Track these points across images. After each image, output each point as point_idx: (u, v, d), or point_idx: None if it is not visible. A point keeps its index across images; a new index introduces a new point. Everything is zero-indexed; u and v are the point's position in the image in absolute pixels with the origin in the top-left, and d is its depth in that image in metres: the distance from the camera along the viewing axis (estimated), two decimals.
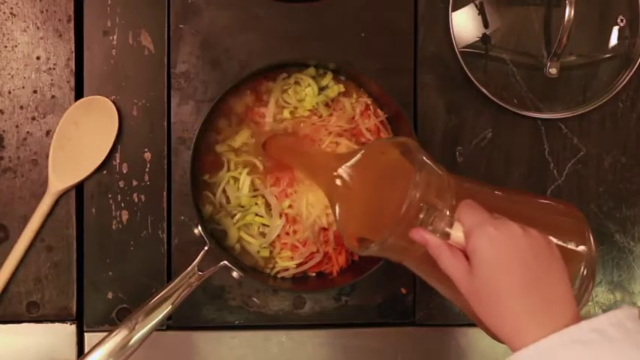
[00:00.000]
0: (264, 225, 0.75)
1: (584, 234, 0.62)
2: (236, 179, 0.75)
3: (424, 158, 0.61)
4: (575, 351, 0.52)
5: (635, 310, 0.55)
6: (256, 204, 0.75)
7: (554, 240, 0.60)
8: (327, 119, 0.76)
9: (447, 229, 0.58)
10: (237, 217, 0.75)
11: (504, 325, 0.55)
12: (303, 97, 0.76)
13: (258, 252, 0.75)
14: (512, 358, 0.53)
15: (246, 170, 0.75)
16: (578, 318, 0.55)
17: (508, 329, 0.55)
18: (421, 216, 0.58)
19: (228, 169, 0.75)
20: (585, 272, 0.61)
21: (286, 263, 0.76)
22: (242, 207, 0.75)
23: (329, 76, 0.77)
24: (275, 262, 0.76)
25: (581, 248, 0.62)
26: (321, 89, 0.77)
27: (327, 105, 0.77)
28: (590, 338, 0.52)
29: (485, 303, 0.56)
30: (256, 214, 0.75)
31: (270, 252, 0.75)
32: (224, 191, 0.75)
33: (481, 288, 0.56)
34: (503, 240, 0.56)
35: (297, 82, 0.76)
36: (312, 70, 0.77)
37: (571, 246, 0.62)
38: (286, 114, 0.76)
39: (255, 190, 0.75)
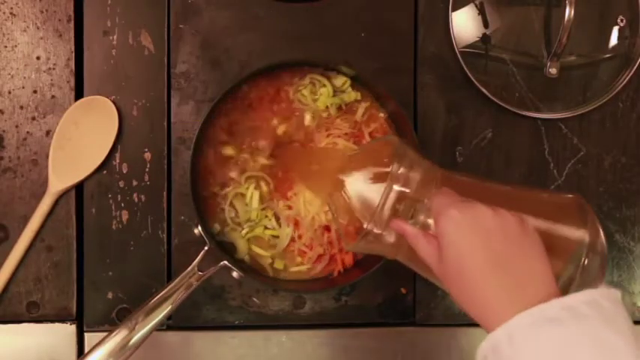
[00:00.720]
0: (274, 237, 0.75)
1: (584, 222, 0.61)
2: (243, 194, 0.75)
3: (406, 152, 0.62)
4: (544, 329, 0.51)
5: (616, 291, 0.54)
6: (266, 216, 0.75)
7: (548, 228, 0.59)
8: (332, 119, 0.76)
9: (429, 220, 0.58)
10: (246, 229, 0.74)
11: (476, 307, 0.55)
12: (318, 96, 0.76)
13: (271, 264, 0.75)
14: (484, 343, 0.53)
15: (252, 185, 0.74)
16: (555, 297, 0.53)
17: (480, 311, 0.55)
18: (401, 208, 0.59)
19: (236, 185, 0.75)
20: (586, 262, 0.59)
21: (298, 268, 0.75)
22: (251, 221, 0.75)
23: (347, 82, 0.77)
24: (287, 271, 0.76)
25: (580, 236, 0.60)
26: (336, 92, 0.77)
27: (339, 108, 0.77)
28: (561, 316, 0.51)
29: (456, 286, 0.56)
30: (265, 227, 0.75)
31: (285, 265, 0.75)
32: (232, 205, 0.75)
33: (450, 270, 0.56)
34: (467, 221, 0.56)
35: (312, 83, 0.76)
36: (332, 74, 0.77)
37: (567, 234, 0.61)
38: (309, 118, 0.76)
39: (264, 203, 0.75)
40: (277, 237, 0.75)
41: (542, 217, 0.60)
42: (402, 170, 0.60)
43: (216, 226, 0.75)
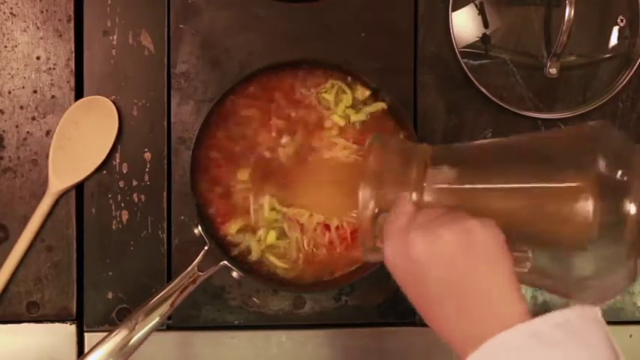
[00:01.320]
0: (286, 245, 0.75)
1: (593, 156, 0.50)
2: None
3: (384, 149, 0.59)
4: None
5: (593, 309, 0.48)
6: (276, 220, 0.74)
7: (549, 177, 0.52)
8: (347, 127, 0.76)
9: None
10: (261, 233, 0.74)
11: (445, 338, 0.51)
12: (338, 102, 0.75)
13: (284, 270, 0.75)
14: None
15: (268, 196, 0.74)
16: (521, 318, 0.47)
17: (449, 343, 0.50)
18: (376, 215, 0.57)
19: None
20: (598, 210, 0.48)
21: (308, 272, 0.75)
22: (265, 222, 0.74)
23: (368, 94, 0.76)
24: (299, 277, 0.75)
25: (585, 178, 0.49)
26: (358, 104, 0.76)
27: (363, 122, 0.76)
28: (528, 344, 0.46)
29: (422, 315, 0.54)
30: (277, 236, 0.74)
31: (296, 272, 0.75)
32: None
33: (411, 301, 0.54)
34: (400, 259, 0.52)
35: (335, 88, 0.76)
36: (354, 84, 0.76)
37: (567, 184, 0.51)
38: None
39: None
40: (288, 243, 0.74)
41: (545, 165, 0.54)
42: (377, 173, 0.58)
43: (235, 248, 0.74)
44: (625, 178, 0.49)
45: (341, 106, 0.75)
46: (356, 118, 0.75)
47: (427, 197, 0.57)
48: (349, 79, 0.76)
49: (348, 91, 0.76)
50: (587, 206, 0.49)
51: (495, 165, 0.57)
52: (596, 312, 0.49)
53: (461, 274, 0.50)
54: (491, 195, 0.56)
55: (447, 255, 0.50)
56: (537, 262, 0.53)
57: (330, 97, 0.75)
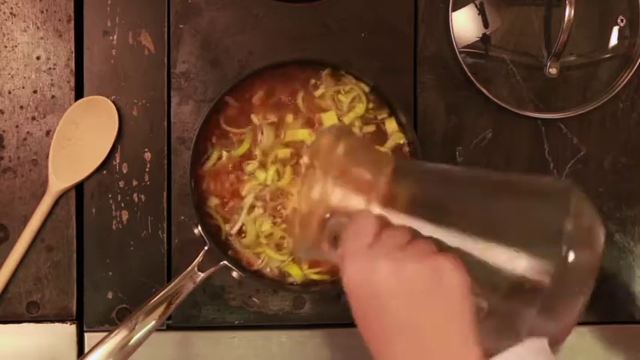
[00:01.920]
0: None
1: (566, 209, 0.49)
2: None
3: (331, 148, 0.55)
4: None
5: (539, 341, 0.48)
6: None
7: (518, 214, 0.51)
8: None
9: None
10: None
11: None
12: (352, 107, 0.75)
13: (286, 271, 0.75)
14: None
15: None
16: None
17: None
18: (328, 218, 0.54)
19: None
20: (571, 256, 0.48)
21: (310, 271, 0.75)
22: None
23: (393, 123, 0.76)
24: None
25: (558, 225, 0.49)
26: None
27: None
28: None
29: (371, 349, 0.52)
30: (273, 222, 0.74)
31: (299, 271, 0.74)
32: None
33: (362, 333, 0.52)
34: (361, 288, 0.50)
35: (351, 92, 0.76)
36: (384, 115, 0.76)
37: (542, 223, 0.50)
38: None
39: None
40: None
41: (513, 202, 0.53)
42: (342, 171, 0.54)
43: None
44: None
45: (350, 115, 0.75)
46: (368, 129, 0.75)
47: (383, 212, 0.54)
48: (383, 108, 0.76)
49: (364, 99, 0.75)
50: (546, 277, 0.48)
51: (456, 202, 0.54)
52: (543, 343, 0.48)
53: (422, 312, 0.49)
54: (448, 233, 0.52)
55: (411, 290, 0.49)
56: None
57: (345, 99, 0.75)
